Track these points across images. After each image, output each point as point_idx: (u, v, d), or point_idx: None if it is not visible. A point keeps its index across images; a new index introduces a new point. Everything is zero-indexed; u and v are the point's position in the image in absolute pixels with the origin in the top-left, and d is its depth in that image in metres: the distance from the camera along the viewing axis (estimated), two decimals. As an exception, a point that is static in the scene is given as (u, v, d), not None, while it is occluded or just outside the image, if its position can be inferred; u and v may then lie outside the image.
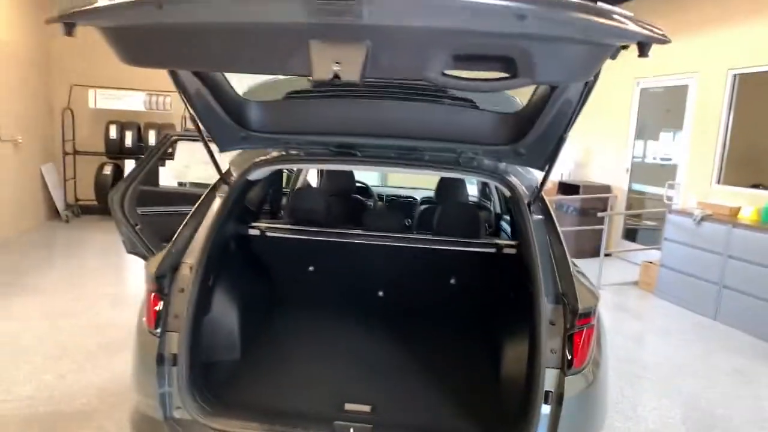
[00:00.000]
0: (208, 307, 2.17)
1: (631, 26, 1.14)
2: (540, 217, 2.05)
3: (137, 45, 1.38)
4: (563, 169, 8.36)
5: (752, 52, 5.52)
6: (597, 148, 8.08)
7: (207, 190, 2.24)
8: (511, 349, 2.26)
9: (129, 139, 7.96)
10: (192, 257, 2.00)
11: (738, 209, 5.26)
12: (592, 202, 7.21)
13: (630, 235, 7.62)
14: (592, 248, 6.59)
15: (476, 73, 1.39)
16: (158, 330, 1.90)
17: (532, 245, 1.92)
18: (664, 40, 1.15)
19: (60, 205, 7.82)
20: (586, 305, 1.77)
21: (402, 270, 2.99)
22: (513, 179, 2.13)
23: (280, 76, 2.11)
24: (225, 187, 2.21)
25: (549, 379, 1.76)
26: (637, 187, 7.48)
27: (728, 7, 5.81)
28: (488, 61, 1.34)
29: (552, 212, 2.11)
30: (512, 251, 2.70)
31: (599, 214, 6.40)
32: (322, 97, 2.13)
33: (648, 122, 7.37)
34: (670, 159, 6.95)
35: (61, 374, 3.39)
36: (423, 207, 3.70)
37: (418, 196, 4.47)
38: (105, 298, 4.83)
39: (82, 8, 1.23)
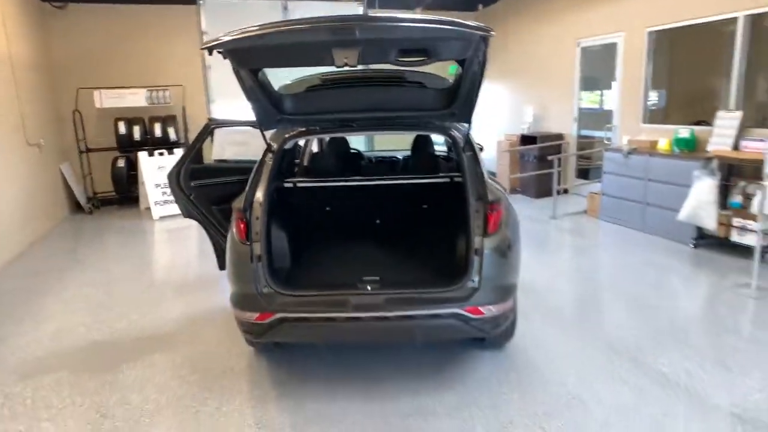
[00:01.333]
0: (270, 230, 3.30)
1: (474, 30, 2.37)
2: (470, 153, 3.21)
3: (240, 55, 2.61)
4: (524, 124, 9.53)
5: (663, 12, 6.68)
6: (550, 103, 9.24)
7: (261, 157, 3.34)
8: (460, 234, 3.40)
9: (137, 133, 8.89)
10: (259, 198, 3.12)
11: (656, 142, 6.49)
12: (548, 150, 8.40)
13: (583, 174, 8.86)
14: (550, 188, 7.80)
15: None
16: (247, 242, 3.03)
17: (465, 170, 3.10)
18: (489, 35, 2.41)
19: (82, 199, 8.79)
20: (493, 198, 2.97)
21: (391, 202, 4.19)
22: (453, 132, 3.30)
23: (303, 76, 3.26)
24: (270, 155, 3.32)
25: (476, 241, 2.96)
26: (585, 132, 8.69)
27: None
28: (415, 52, 2.63)
29: (477, 150, 3.27)
30: (459, 180, 3.89)
31: (549, 158, 7.61)
32: (329, 88, 3.27)
33: (589, 75, 8.53)
34: (600, 107, 8.14)
35: (145, 313, 4.52)
36: (403, 161, 4.89)
37: (400, 155, 5.63)
38: (150, 265, 5.93)
39: (216, 42, 2.42)
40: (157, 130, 8.93)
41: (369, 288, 3.03)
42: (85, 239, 7.36)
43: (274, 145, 3.34)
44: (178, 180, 4.26)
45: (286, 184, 3.99)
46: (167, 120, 9.03)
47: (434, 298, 2.94)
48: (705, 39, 6.60)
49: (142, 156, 8.44)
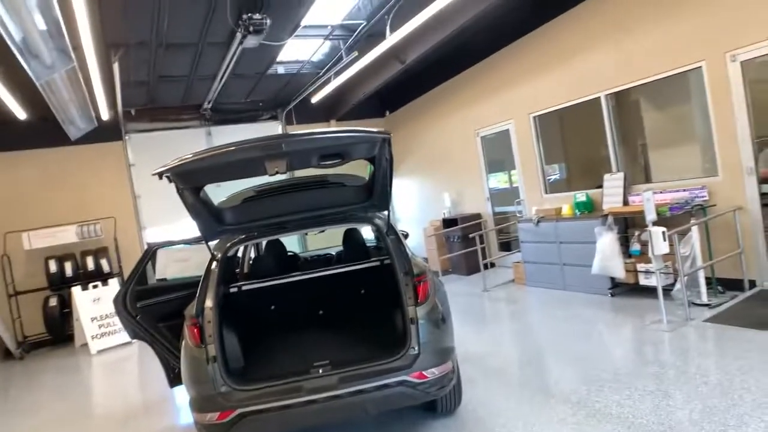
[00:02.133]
0: (222, 333, 3.52)
1: (376, 134, 3.01)
2: (393, 236, 3.68)
3: (186, 176, 3.06)
4: (444, 209, 10.34)
5: (541, 99, 7.86)
6: (463, 188, 10.17)
7: (206, 266, 3.63)
8: (395, 309, 3.75)
9: (69, 269, 8.80)
10: (209, 305, 3.38)
11: (560, 208, 7.34)
12: (470, 229, 9.13)
13: (505, 246, 9.61)
14: (478, 263, 8.41)
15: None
16: (202, 345, 3.24)
17: (391, 251, 3.56)
18: (388, 137, 3.07)
19: (11, 345, 8.39)
20: (418, 270, 3.43)
21: (330, 291, 4.54)
22: (376, 220, 3.80)
23: (239, 191, 3.70)
24: (215, 263, 3.62)
25: (410, 311, 3.34)
26: (499, 209, 9.57)
27: (520, 70, 8.17)
28: (332, 156, 3.20)
29: (398, 233, 3.77)
30: (388, 261, 4.35)
31: (470, 236, 8.30)
32: (262, 198, 3.72)
33: (494, 158, 9.58)
34: (510, 185, 9.12)
35: (96, 446, 4.40)
36: (336, 255, 5.31)
37: (333, 252, 6.05)
38: (90, 401, 5.75)
39: (164, 168, 2.87)
40: (90, 263, 8.90)
41: (321, 371, 3.28)
42: (17, 386, 6.99)
43: (218, 254, 3.66)
44: (124, 303, 4.41)
45: (232, 289, 4.25)
46: (99, 252, 9.04)
47: (381, 370, 3.23)
48: (583, 115, 7.75)
49: (76, 291, 8.32)
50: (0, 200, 8.91)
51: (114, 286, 8.42)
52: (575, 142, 8.55)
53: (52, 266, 8.71)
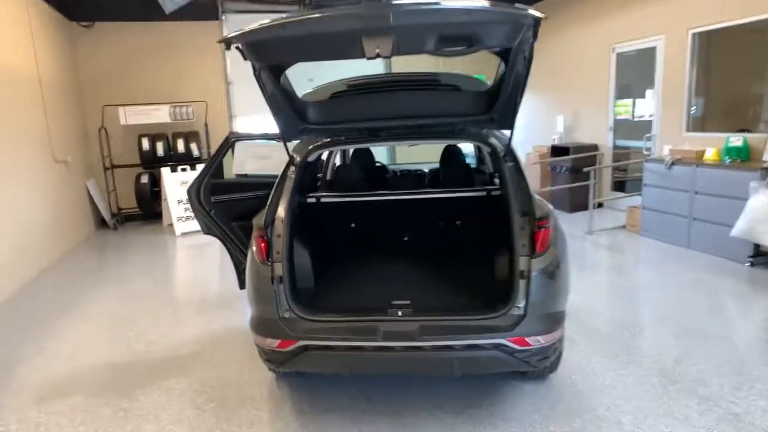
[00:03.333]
0: (292, 250, 3.06)
1: (521, 13, 2.14)
2: (512, 164, 2.92)
3: (261, 49, 2.39)
4: (554, 134, 9.17)
5: (708, 12, 6.30)
6: (583, 112, 8.87)
7: (283, 170, 3.11)
8: (500, 254, 3.12)
9: (160, 149, 8.85)
10: (280, 215, 2.89)
11: (702, 152, 6.08)
12: (582, 161, 8.02)
13: (619, 186, 8.44)
14: (585, 202, 7.41)
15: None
16: (268, 261, 2.79)
17: (507, 182, 2.82)
18: (540, 19, 2.17)
19: (107, 215, 8.75)
20: (541, 213, 2.66)
21: (421, 218, 3.92)
22: (492, 140, 3.01)
23: (328, 82, 3.01)
24: (292, 168, 3.08)
25: (522, 263, 2.66)
26: (620, 143, 8.29)
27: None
28: (456, 40, 2.31)
29: (519, 160, 2.98)
30: (497, 193, 3.60)
31: (585, 170, 7.23)
32: (355, 95, 3.02)
33: (625, 83, 8.16)
34: (643, 116, 7.75)
35: (164, 333, 4.32)
36: (430, 173, 4.61)
37: (426, 169, 5.35)
38: (171, 281, 5.76)
39: (235, 33, 2.22)
40: (180, 145, 8.87)
41: (400, 313, 2.75)
42: (109, 255, 7.28)
43: (297, 158, 3.11)
44: (198, 195, 4.07)
45: (309, 200, 3.76)
46: (190, 136, 8.96)
47: (474, 327, 2.66)
48: (743, 41, 6.20)
49: (165, 172, 8.36)
50: (98, 73, 8.91)
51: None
52: (724, 73, 6.97)
53: (145, 144, 8.77)
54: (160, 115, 8.81)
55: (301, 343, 2.69)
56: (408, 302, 2.88)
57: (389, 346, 2.63)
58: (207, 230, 4.27)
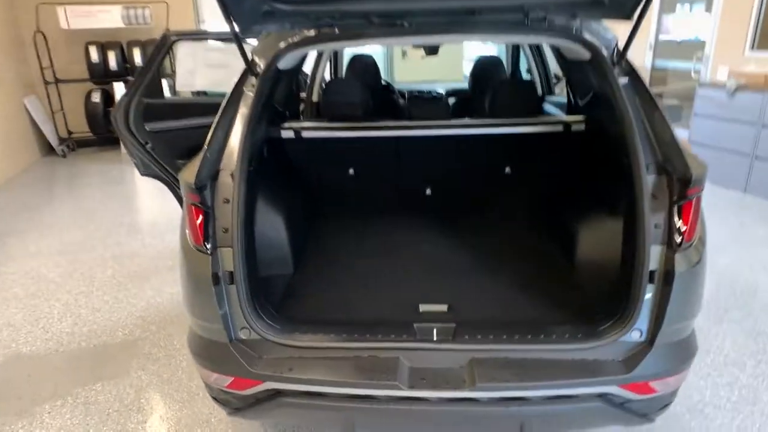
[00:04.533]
0: (253, 218, 1.98)
1: None
2: (626, 80, 1.79)
3: None
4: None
5: None
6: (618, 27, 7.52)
7: (234, 86, 1.94)
8: (587, 233, 2.17)
9: (113, 61, 7.40)
10: (230, 164, 1.76)
11: (775, 75, 4.93)
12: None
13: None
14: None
15: None
16: (208, 246, 1.70)
17: (625, 111, 1.69)
18: None
19: (53, 139, 7.44)
20: (697, 173, 1.57)
21: (449, 163, 2.81)
22: (592, 39, 1.85)
23: None
24: (253, 80, 1.91)
25: (655, 256, 1.62)
26: (660, 63, 7.05)
27: None
28: None
29: (639, 73, 1.85)
30: (581, 128, 2.48)
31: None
32: None
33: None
34: (691, 37, 6.49)
35: (95, 308, 3.28)
36: (455, 96, 3.41)
37: (442, 90, 4.14)
38: (120, 228, 4.66)
39: None
40: (137, 56, 7.43)
41: (435, 333, 1.74)
42: (50, 190, 6.10)
43: (261, 63, 1.94)
44: (126, 121, 2.92)
45: (285, 133, 2.61)
46: (148, 45, 7.49)
47: (565, 363, 1.67)
48: None
49: (119, 88, 7.01)
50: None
51: (164, 88, 7.00)
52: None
53: (94, 54, 7.32)
54: (110, 18, 7.28)
55: (270, 385, 1.67)
56: (444, 308, 1.91)
57: (419, 397, 1.62)
58: (144, 170, 3.15)
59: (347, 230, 2.79)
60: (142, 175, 3.16)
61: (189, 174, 1.69)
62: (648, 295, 1.63)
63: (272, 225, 2.20)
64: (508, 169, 2.80)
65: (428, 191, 2.92)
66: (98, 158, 7.39)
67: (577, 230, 2.28)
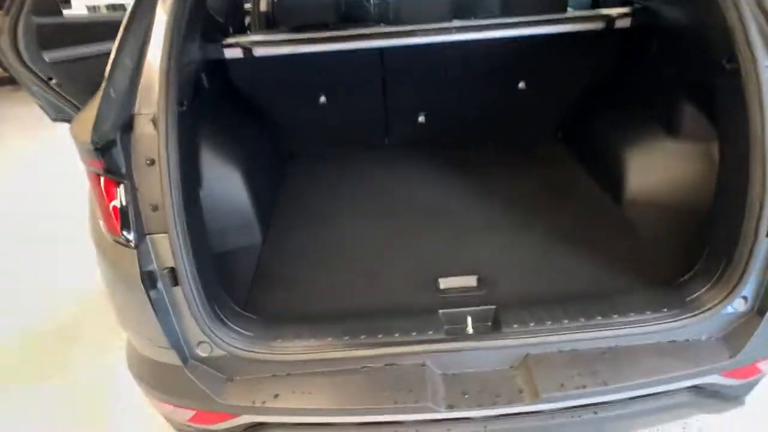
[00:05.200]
0: (198, 178, 1.41)
1: None
2: None
3: None
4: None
5: None
6: None
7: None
8: (643, 162, 1.74)
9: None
10: (148, 103, 1.15)
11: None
12: None
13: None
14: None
15: None
16: (131, 235, 1.13)
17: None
18: None
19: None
20: None
21: (448, 80, 2.23)
22: None
23: None
24: None
25: None
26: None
27: None
28: None
29: None
30: (626, 23, 1.94)
31: None
32: None
33: None
34: None
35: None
36: None
37: None
38: (45, 187, 3.94)
39: None
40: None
41: (470, 322, 1.31)
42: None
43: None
44: (17, 52, 2.17)
45: (229, 52, 1.96)
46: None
47: (649, 351, 1.26)
48: None
49: None
50: None
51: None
52: None
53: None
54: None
55: (249, 419, 1.20)
56: (473, 281, 1.49)
57: (461, 417, 1.17)
58: (55, 115, 2.45)
59: (325, 178, 2.23)
60: (54, 120, 2.46)
61: (81, 127, 1.08)
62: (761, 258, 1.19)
63: (226, 182, 1.64)
64: (522, 84, 2.24)
65: (421, 119, 2.34)
66: (13, 98, 6.38)
67: (626, 159, 1.80)
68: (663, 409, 1.31)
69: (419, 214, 1.94)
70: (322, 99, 2.23)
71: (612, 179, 1.88)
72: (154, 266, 1.16)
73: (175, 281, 1.17)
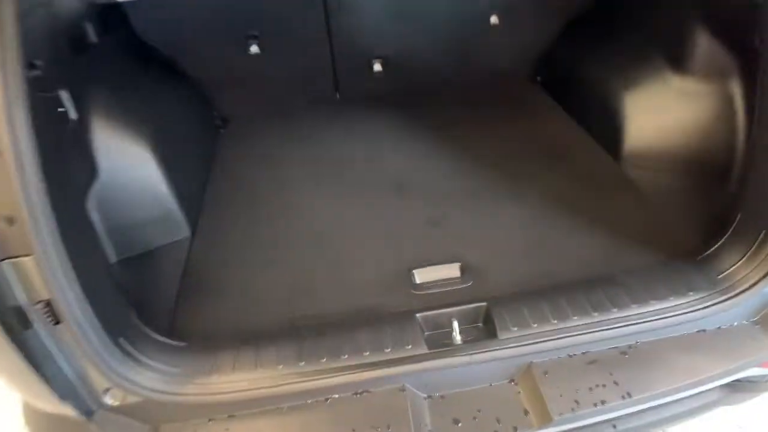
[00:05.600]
0: (89, 167, 1.06)
1: None
2: None
3: None
4: None
5: None
6: None
7: None
8: (647, 108, 1.48)
9: None
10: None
11: None
12: None
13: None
14: None
15: None
16: None
17: None
18: None
19: None
20: None
21: (407, 17, 1.88)
22: None
23: None
24: None
25: None
26: None
27: None
28: None
29: None
30: None
31: None
32: None
33: None
34: None
35: None
36: None
37: None
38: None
39: None
40: None
41: (456, 327, 1.06)
42: None
43: None
44: None
45: None
46: None
47: (678, 347, 1.04)
48: None
49: None
50: None
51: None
52: None
53: None
54: None
55: None
56: (456, 270, 1.24)
57: None
58: None
59: (266, 147, 1.88)
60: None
61: None
62: None
63: (133, 164, 1.27)
64: (495, 19, 1.90)
65: (377, 66, 1.99)
66: None
67: (624, 103, 1.54)
68: (688, 413, 1.11)
69: (384, 186, 1.62)
70: (254, 48, 1.84)
71: (608, 130, 1.60)
72: (20, 301, 0.84)
73: (56, 318, 0.86)
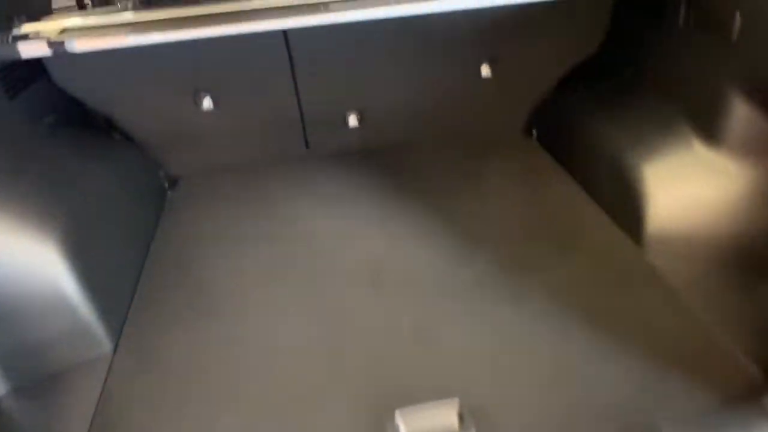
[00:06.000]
0: None
1: None
2: None
3: None
4: None
5: None
6: None
7: None
8: (674, 182, 1.24)
9: None
10: None
11: None
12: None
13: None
14: None
15: None
16: None
17: None
18: None
19: None
20: None
21: (385, 67, 1.62)
22: None
23: None
24: None
25: None
26: None
27: None
28: None
29: None
30: None
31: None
32: None
33: None
34: None
35: None
36: None
37: None
38: None
39: None
40: None
41: None
42: None
43: None
44: None
45: (25, 47, 1.26)
46: None
47: None
48: None
49: None
50: None
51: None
52: None
53: None
54: None
55: None
56: (455, 419, 0.91)
57: None
58: None
59: (214, 215, 1.59)
60: None
61: None
62: None
63: (33, 265, 1.01)
64: (486, 71, 1.65)
65: (353, 121, 1.72)
66: None
67: (644, 174, 1.25)
68: None
69: (358, 277, 1.34)
70: (206, 103, 1.57)
71: (625, 207, 1.33)
72: None
73: None
